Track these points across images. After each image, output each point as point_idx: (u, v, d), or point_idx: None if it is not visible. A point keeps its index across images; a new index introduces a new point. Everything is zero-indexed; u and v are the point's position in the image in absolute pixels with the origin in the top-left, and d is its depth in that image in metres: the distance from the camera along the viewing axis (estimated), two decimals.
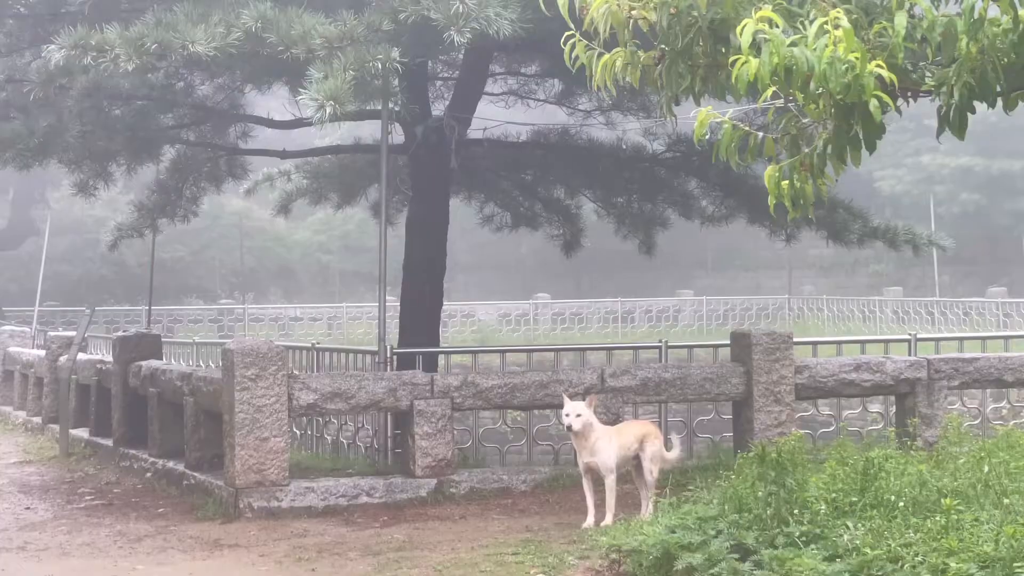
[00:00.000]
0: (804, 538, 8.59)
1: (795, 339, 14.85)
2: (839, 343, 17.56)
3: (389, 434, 15.17)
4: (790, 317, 49.28)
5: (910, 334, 16.90)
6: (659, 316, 49.70)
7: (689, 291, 54.10)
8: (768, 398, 14.30)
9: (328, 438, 16.90)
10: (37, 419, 22.07)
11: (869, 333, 38.67)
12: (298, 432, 17.10)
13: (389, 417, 15.00)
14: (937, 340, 17.90)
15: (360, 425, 16.28)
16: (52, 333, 23.81)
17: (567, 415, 11.71)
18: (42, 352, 22.62)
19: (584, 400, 12.03)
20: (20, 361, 24.11)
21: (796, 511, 8.96)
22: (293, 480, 13.37)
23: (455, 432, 14.21)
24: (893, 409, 15.71)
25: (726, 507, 9.47)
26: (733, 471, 9.95)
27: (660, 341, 16.74)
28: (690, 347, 17.85)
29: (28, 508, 14.22)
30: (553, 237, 21.75)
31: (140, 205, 20.34)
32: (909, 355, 15.75)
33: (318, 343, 18.61)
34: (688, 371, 14.60)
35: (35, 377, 22.77)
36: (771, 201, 6.94)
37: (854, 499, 9.16)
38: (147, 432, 16.39)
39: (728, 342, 15.26)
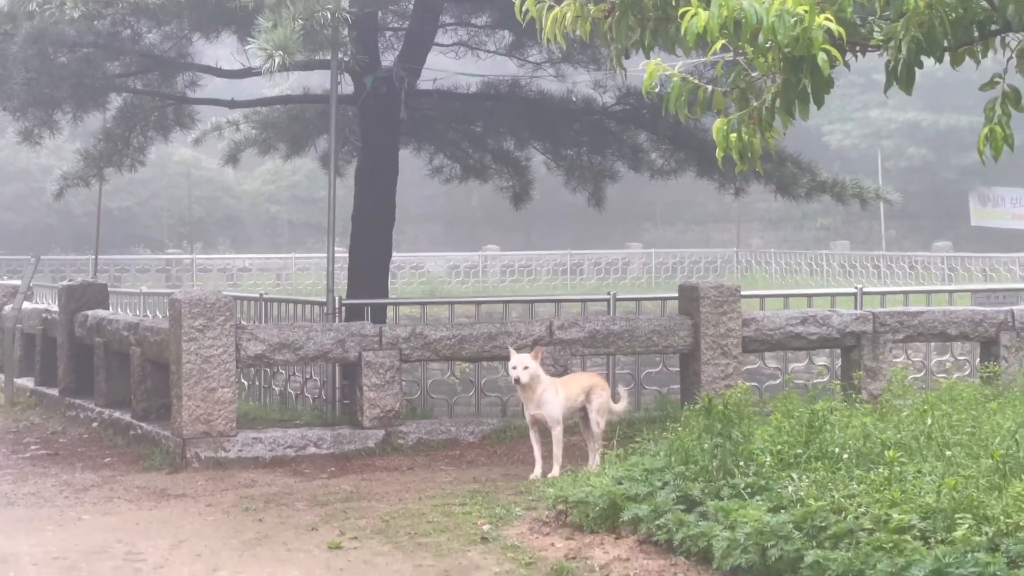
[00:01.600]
0: (749, 489, 8.67)
1: (743, 292, 14.92)
2: (786, 296, 17.67)
3: (337, 385, 15.16)
4: (738, 270, 49.51)
5: (856, 288, 17.02)
6: (608, 268, 49.77)
7: (638, 244, 54.19)
8: (715, 351, 14.37)
9: (276, 389, 16.88)
10: None
11: (816, 286, 38.93)
12: (246, 383, 17.07)
13: (337, 368, 14.98)
14: (883, 294, 18.04)
15: (308, 376, 16.26)
16: None
17: (514, 368, 11.75)
18: None
19: (530, 352, 12.06)
20: None
21: (741, 463, 9.04)
22: (240, 431, 13.36)
23: (403, 383, 14.23)
24: (839, 362, 15.84)
25: (672, 459, 9.54)
26: (680, 423, 10.03)
27: (608, 293, 16.78)
28: (638, 300, 17.91)
29: None
30: (502, 189, 21.69)
31: (86, 154, 20.11)
32: (855, 308, 15.88)
33: (266, 293, 18.55)
34: (636, 323, 14.65)
35: None
36: (719, 154, 6.96)
37: (799, 451, 9.25)
38: (93, 382, 16.32)
39: (676, 295, 15.32)
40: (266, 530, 10.11)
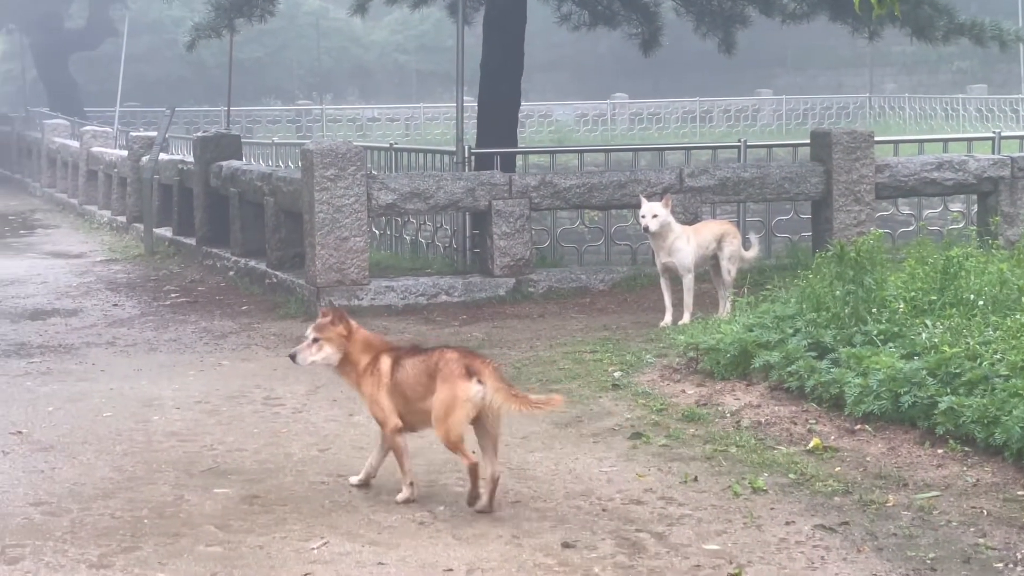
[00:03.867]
0: (882, 336, 8.62)
1: (876, 138, 14.70)
2: (921, 142, 17.37)
3: (467, 234, 15.26)
4: (871, 116, 48.58)
5: (994, 132, 16.67)
6: (738, 116, 49.14)
7: (768, 90, 53.30)
8: (848, 197, 14.22)
9: (407, 238, 17.05)
10: (121, 218, 22.41)
11: (952, 132, 38.07)
12: (377, 232, 17.25)
13: (467, 217, 15.08)
14: (1022, 138, 17.63)
15: (439, 225, 16.39)
16: (133, 133, 24.00)
17: (643, 216, 11.74)
18: (124, 152, 22.84)
19: (660, 200, 12.02)
20: (103, 161, 24.38)
21: (874, 310, 8.98)
22: (373, 279, 13.54)
23: (533, 232, 14.29)
24: (975, 208, 15.59)
25: (804, 306, 9.50)
26: (811, 270, 9.96)
27: (739, 141, 16.63)
28: (769, 147, 17.73)
29: (116, 305, 14.52)
30: (631, 36, 21.39)
31: (217, 4, 20.16)
32: (993, 153, 15.57)
33: (396, 143, 18.64)
34: (767, 170, 14.53)
35: (118, 177, 23.05)
36: None
37: (933, 298, 9.16)
38: (229, 232, 16.60)
39: (808, 141, 15.15)
40: None
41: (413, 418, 7.17)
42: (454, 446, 6.95)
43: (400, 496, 7.15)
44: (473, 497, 6.96)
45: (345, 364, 7.29)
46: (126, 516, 7.01)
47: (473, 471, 6.91)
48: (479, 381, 6.85)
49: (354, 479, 7.44)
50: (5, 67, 53.68)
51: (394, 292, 13.47)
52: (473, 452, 7.00)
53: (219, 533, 6.72)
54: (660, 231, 11.74)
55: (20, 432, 8.83)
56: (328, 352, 7.25)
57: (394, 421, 7.14)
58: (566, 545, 6.42)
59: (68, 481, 7.67)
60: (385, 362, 7.21)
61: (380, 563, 6.26)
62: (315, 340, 7.27)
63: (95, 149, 25.38)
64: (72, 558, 6.39)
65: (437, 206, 13.94)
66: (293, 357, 7.34)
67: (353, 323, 7.34)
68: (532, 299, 13.61)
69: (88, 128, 27.59)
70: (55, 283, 16.29)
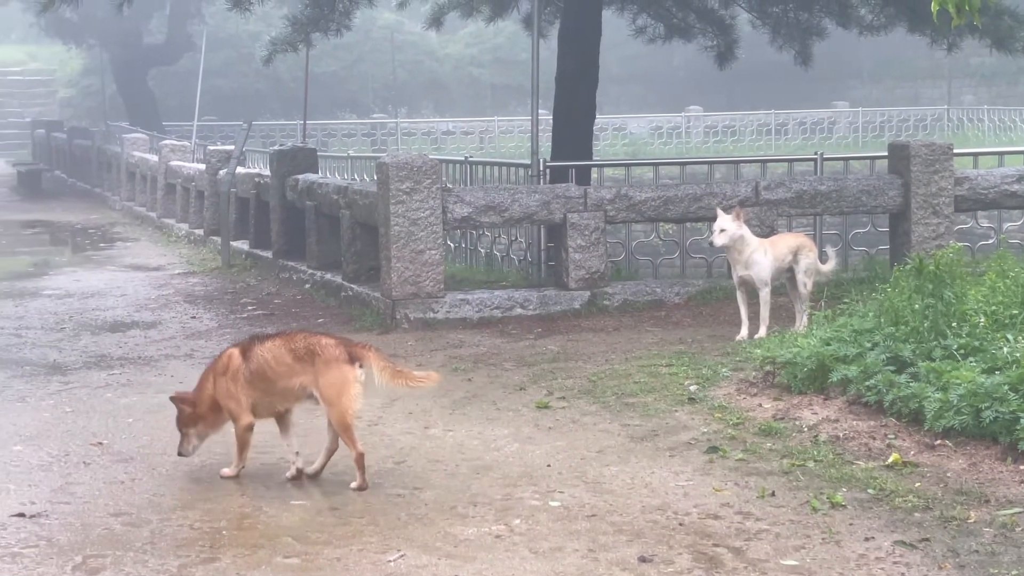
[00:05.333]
0: (962, 351, 8.53)
1: (955, 150, 14.57)
2: (1001, 154, 17.19)
3: (542, 247, 15.27)
4: (949, 128, 48.13)
5: None
6: (813, 128, 48.85)
7: (845, 102, 52.95)
8: (926, 210, 14.10)
9: (482, 251, 17.07)
10: (199, 231, 22.61)
11: None
12: (452, 245, 17.29)
13: (542, 230, 15.09)
14: None
15: (513, 238, 16.40)
16: (211, 147, 24.22)
17: (713, 230, 11.72)
18: (202, 166, 23.04)
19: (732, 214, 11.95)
20: (181, 175, 24.61)
21: (954, 324, 8.89)
22: (448, 292, 13.57)
23: (608, 245, 14.26)
24: None
25: (882, 320, 9.42)
26: (889, 284, 9.87)
27: (815, 153, 16.54)
28: (846, 159, 17.62)
29: (193, 317, 14.64)
30: (706, 48, 21.33)
31: (294, 19, 20.33)
32: None
33: (471, 156, 18.68)
34: (844, 183, 14.44)
35: (196, 190, 23.26)
36: (934, 8, 6.76)
37: (1014, 312, 9.06)
38: (304, 244, 16.70)
39: (885, 154, 15.04)
40: (475, 389, 10.30)
41: (275, 398, 7.81)
42: (347, 428, 7.58)
43: (224, 471, 7.92)
44: (363, 483, 7.58)
45: (216, 417, 7.93)
46: (205, 527, 7.06)
47: (360, 461, 7.58)
48: (361, 366, 7.57)
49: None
50: (86, 82, 54.29)
51: (469, 305, 13.50)
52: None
53: (297, 545, 6.76)
54: (732, 244, 11.70)
55: (101, 443, 8.93)
56: (193, 433, 7.99)
57: (247, 419, 7.79)
58: (643, 559, 6.40)
59: (148, 492, 7.74)
60: (235, 359, 7.79)
61: None
62: (183, 434, 8.02)
63: (173, 163, 25.63)
64: (152, 568, 6.45)
65: (512, 219, 13.96)
66: (181, 455, 8.11)
67: (190, 395, 7.97)
68: (607, 312, 13.59)
69: (166, 142, 27.85)
70: (134, 295, 16.47)
